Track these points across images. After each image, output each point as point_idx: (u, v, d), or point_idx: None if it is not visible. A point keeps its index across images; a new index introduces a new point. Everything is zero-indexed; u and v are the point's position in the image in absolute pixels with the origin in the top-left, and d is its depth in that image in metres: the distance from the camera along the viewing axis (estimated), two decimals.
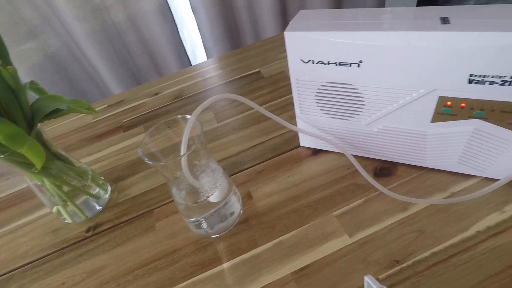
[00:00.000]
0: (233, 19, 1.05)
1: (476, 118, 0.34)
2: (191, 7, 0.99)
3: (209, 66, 0.76)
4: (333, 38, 0.33)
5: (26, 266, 0.44)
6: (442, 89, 0.32)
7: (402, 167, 0.43)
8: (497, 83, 0.30)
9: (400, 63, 0.32)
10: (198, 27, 1.04)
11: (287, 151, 0.49)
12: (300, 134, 0.48)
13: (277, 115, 0.40)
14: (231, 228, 0.41)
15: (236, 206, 0.42)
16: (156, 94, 0.72)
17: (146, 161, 0.32)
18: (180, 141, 0.33)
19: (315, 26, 0.34)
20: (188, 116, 0.34)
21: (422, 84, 0.33)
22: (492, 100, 0.31)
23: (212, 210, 0.39)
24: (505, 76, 0.29)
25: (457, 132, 0.36)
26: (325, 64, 0.36)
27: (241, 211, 0.43)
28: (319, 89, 0.39)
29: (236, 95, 0.36)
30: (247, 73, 0.69)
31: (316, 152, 0.48)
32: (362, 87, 0.36)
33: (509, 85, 0.30)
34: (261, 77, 0.67)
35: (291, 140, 0.51)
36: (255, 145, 0.52)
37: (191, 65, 1.13)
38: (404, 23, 0.31)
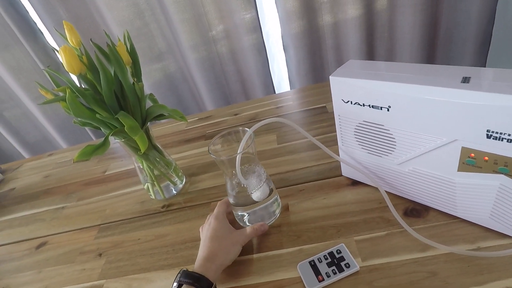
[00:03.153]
0: (319, 58, 1.16)
1: (501, 173, 0.35)
2: (283, 46, 1.14)
3: (285, 97, 0.88)
4: (367, 85, 0.40)
5: (119, 221, 0.61)
6: (462, 140, 0.36)
7: (434, 212, 0.45)
8: None
9: (423, 112, 0.37)
10: (286, 64, 1.19)
11: (329, 178, 0.56)
12: (342, 165, 0.54)
13: (329, 146, 0.48)
14: None
15: (274, 211, 0.50)
16: (236, 114, 0.87)
17: (211, 154, 0.44)
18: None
19: (355, 74, 0.42)
20: (247, 129, 0.44)
21: (444, 133, 0.37)
22: None
23: (255, 208, 0.48)
24: None
25: (483, 185, 0.37)
26: (361, 105, 0.42)
27: (277, 216, 0.51)
28: (357, 126, 0.45)
29: (288, 121, 0.46)
30: (314, 106, 0.78)
31: (355, 183, 0.53)
32: (393, 128, 0.41)
33: None
34: (325, 111, 0.75)
35: (335, 169, 0.57)
36: (303, 168, 0.60)
37: (275, 93, 1.28)
38: (428, 78, 0.36)
